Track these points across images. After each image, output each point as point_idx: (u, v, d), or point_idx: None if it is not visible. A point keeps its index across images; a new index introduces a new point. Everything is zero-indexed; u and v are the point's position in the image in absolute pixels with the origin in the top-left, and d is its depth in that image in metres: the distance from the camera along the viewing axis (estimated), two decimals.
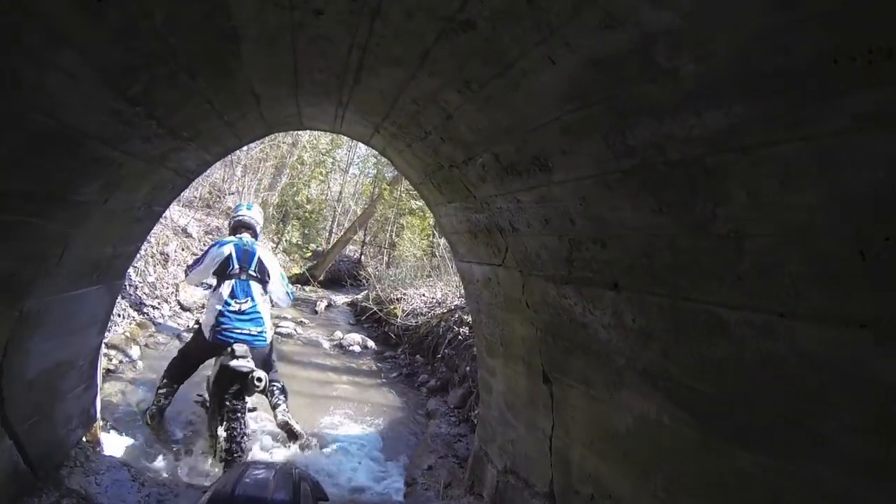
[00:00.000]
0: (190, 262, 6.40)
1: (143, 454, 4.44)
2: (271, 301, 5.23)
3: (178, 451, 4.68)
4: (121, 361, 6.28)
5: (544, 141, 1.95)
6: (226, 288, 4.87)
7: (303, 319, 11.55)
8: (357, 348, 9.69)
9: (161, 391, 4.97)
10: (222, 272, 4.94)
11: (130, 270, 8.53)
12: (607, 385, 2.34)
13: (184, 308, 9.61)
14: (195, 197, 17.52)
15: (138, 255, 8.84)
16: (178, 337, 7.90)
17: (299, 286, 16.23)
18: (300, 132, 18.01)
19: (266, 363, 4.98)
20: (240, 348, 4.53)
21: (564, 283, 2.43)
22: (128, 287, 8.32)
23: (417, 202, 18.66)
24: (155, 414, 4.88)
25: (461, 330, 8.27)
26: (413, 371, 8.57)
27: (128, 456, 4.28)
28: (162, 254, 10.53)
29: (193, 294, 10.08)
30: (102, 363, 5.48)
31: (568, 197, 2.06)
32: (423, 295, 11.27)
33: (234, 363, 4.39)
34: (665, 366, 1.92)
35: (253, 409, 5.04)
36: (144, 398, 5.43)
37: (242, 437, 4.31)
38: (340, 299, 15.38)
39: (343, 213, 24.18)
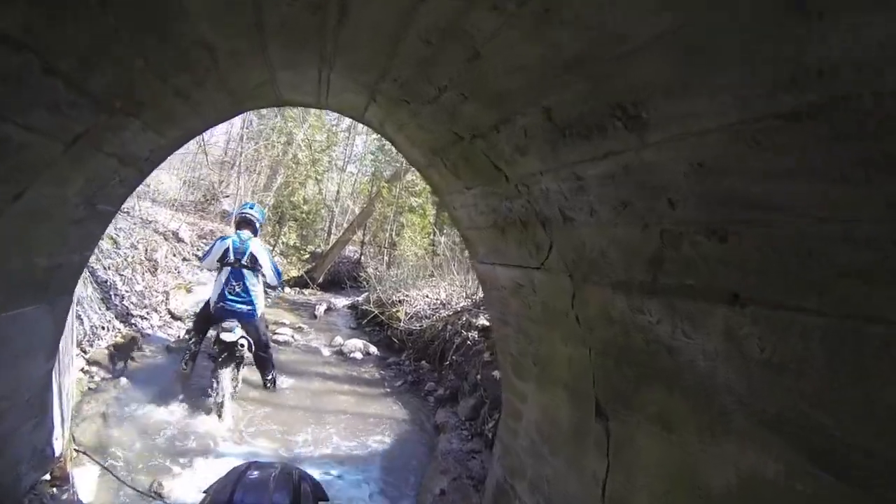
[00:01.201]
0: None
1: (120, 485, 4.13)
2: (265, 283, 6.84)
3: (159, 472, 4.47)
4: (103, 379, 5.90)
5: (637, 76, 1.25)
6: (224, 274, 6.46)
7: (301, 325, 11.12)
8: (359, 355, 9.28)
9: (191, 341, 6.71)
10: (223, 260, 6.52)
11: (116, 279, 8.41)
12: (702, 429, 1.71)
13: (174, 317, 9.19)
14: (189, 200, 17.17)
15: (124, 262, 8.61)
16: (168, 349, 7.57)
17: (298, 289, 15.96)
18: (293, 126, 17.54)
19: (257, 332, 6.56)
20: (228, 323, 6.05)
21: (645, 293, 1.75)
22: (113, 297, 7.93)
23: (418, 199, 18.24)
24: (189, 360, 6.52)
25: (469, 334, 7.87)
26: (419, 378, 8.20)
27: (101, 490, 4.06)
28: (150, 260, 10.17)
29: (184, 302, 9.82)
30: (82, 382, 5.47)
31: (670, 164, 1.35)
32: (427, 296, 10.90)
33: (222, 335, 5.90)
34: (806, 411, 1.29)
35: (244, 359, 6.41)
36: (130, 416, 5.30)
37: (228, 392, 5.79)
38: (340, 302, 14.97)
39: (341, 212, 23.75)
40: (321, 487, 1.99)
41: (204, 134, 13.32)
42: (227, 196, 18.36)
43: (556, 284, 2.32)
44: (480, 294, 8.96)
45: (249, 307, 6.45)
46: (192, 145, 14.60)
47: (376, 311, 11.13)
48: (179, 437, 5.07)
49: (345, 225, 21.58)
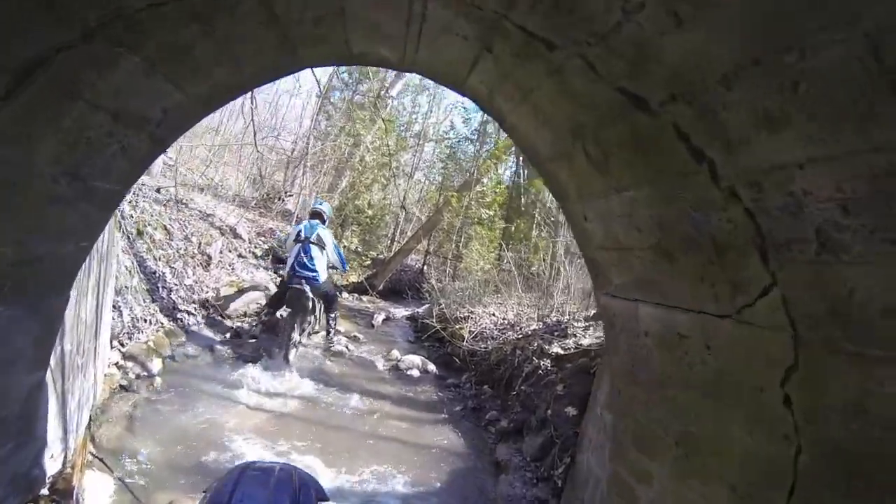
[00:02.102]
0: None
1: (133, 500, 3.76)
2: (329, 260, 8.45)
3: (179, 489, 3.99)
4: (137, 376, 5.58)
5: None
6: (296, 249, 8.13)
7: (357, 334, 10.47)
8: (416, 372, 8.61)
9: (265, 312, 8.57)
10: (296, 239, 8.22)
11: (165, 271, 8.13)
12: None
13: (223, 315, 8.65)
14: (251, 197, 16.95)
15: (176, 254, 8.31)
16: (212, 349, 7.17)
17: (356, 296, 15.54)
18: (361, 127, 17.17)
19: (325, 295, 8.59)
20: (299, 283, 7.77)
21: None
22: (160, 289, 7.61)
23: (488, 211, 17.68)
24: (260, 326, 8.37)
25: (542, 362, 7.01)
26: (480, 405, 7.45)
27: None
28: (204, 254, 9.76)
29: (235, 300, 9.29)
30: (114, 378, 5.19)
31: None
32: (493, 314, 10.12)
33: (295, 286, 7.72)
34: None
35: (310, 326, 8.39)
36: (159, 420, 4.98)
37: (293, 343, 7.52)
38: (400, 312, 14.34)
39: (406, 220, 23.24)
40: (321, 488, 2.00)
41: (256, 118, 13.01)
42: (291, 195, 18.02)
43: (759, 345, 1.44)
44: (555, 318, 8.18)
45: (314, 273, 8.09)
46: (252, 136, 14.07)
47: (438, 327, 10.51)
48: (209, 450, 4.63)
49: (409, 233, 21.11)
